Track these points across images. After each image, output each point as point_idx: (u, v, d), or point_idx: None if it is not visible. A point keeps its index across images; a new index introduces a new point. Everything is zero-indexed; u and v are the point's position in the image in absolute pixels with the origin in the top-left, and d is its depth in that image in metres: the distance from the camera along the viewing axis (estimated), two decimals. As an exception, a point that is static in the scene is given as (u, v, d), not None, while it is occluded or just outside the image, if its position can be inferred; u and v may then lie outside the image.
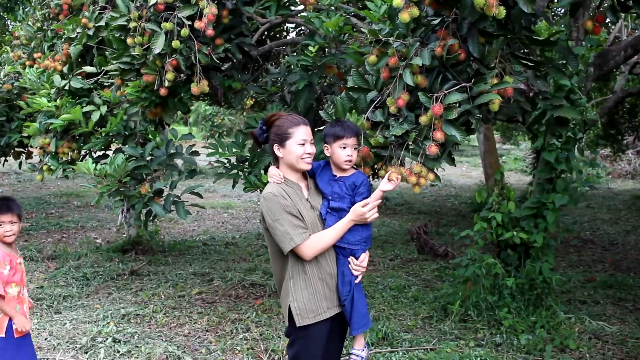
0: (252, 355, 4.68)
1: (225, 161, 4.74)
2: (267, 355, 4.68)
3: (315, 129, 3.42)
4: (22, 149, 7.16)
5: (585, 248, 8.71)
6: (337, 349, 3.12)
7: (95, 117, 5.12)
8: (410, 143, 3.05)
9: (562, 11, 9.08)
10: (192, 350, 4.77)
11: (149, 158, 4.99)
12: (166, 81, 4.60)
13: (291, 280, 2.90)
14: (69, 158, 5.46)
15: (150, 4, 4.44)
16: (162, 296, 6.09)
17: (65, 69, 5.67)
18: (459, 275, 5.61)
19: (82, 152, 5.55)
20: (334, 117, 3.41)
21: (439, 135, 2.92)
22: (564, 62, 3.44)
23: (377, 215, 2.90)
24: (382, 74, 3.14)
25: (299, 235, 2.80)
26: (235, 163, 4.73)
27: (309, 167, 2.95)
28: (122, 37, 4.81)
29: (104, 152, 5.53)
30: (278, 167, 2.99)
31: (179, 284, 6.51)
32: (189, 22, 4.46)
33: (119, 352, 4.66)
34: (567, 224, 10.27)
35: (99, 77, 5.47)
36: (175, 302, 5.91)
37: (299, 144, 2.87)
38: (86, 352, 4.66)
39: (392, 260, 7.85)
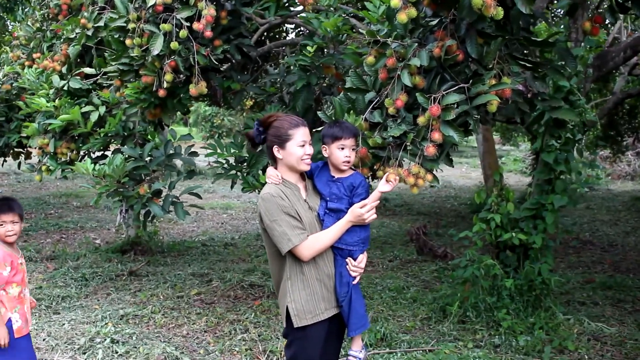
0: (250, 356, 4.68)
1: (224, 162, 4.74)
2: (266, 356, 4.67)
3: (314, 130, 3.41)
4: (21, 150, 7.16)
5: (584, 249, 8.71)
6: (335, 350, 3.11)
7: (94, 117, 5.12)
8: (408, 144, 3.05)
9: (562, 12, 9.07)
10: (190, 351, 4.77)
11: (147, 159, 4.99)
12: (165, 82, 4.60)
13: (289, 281, 2.90)
14: (68, 158, 5.46)
15: (148, 5, 4.44)
16: (161, 297, 6.08)
17: (64, 70, 5.67)
18: (458, 276, 5.61)
19: (81, 153, 5.55)
20: (332, 118, 3.41)
21: (436, 136, 2.91)
22: (563, 63, 3.43)
23: (375, 216, 2.90)
24: (380, 74, 3.14)
25: (297, 236, 2.80)
26: (234, 163, 4.73)
27: (308, 168, 2.95)
28: (121, 38, 4.81)
29: (102, 152, 5.53)
30: (276, 168, 2.98)
31: (178, 284, 6.50)
32: (188, 24, 4.46)
33: (117, 352, 4.66)
34: (567, 225, 10.26)
35: (98, 77, 5.47)
36: (174, 302, 5.91)
37: (299, 145, 2.86)
38: (84, 353, 4.66)
39: (391, 261, 7.84)
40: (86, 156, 5.57)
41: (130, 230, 8.12)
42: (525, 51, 3.36)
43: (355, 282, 2.95)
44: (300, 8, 5.25)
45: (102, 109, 5.17)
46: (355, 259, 2.94)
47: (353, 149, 2.96)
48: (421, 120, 2.96)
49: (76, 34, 5.54)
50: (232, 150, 4.57)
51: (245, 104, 8.62)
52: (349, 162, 2.94)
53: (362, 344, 3.13)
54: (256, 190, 4.33)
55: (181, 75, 4.83)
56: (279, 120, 2.92)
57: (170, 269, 7.20)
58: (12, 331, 3.44)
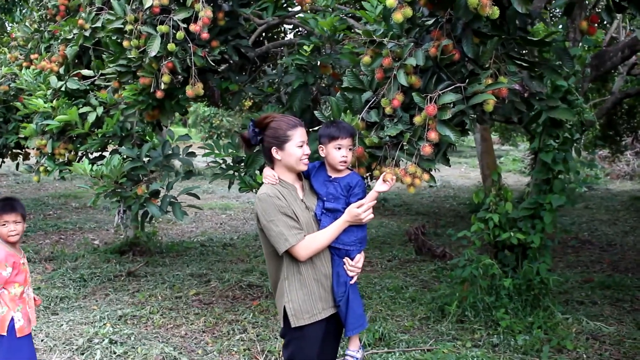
0: (248, 356, 4.68)
1: (221, 162, 4.74)
2: (264, 356, 4.67)
3: (310, 130, 3.41)
4: (19, 151, 7.15)
5: (583, 249, 8.71)
6: (332, 350, 3.11)
7: (91, 118, 5.12)
8: (404, 143, 3.05)
9: (560, 12, 9.08)
10: (188, 351, 4.76)
11: (145, 159, 4.99)
12: (162, 84, 4.60)
13: (286, 280, 2.90)
14: (66, 159, 5.45)
15: (145, 7, 4.43)
16: (159, 297, 6.08)
17: (61, 70, 5.67)
18: (456, 276, 5.61)
19: (79, 154, 5.54)
20: (329, 118, 3.41)
21: (433, 136, 2.91)
22: (560, 63, 3.43)
23: (372, 216, 2.90)
24: (376, 74, 3.14)
25: (294, 236, 2.80)
26: (231, 164, 4.73)
27: (306, 167, 2.96)
28: (119, 40, 4.81)
29: (100, 153, 5.53)
30: (273, 168, 2.98)
31: (176, 285, 6.50)
32: (185, 25, 4.46)
33: (115, 353, 4.66)
34: (565, 225, 10.26)
35: (96, 78, 5.47)
36: (172, 303, 5.90)
37: (298, 146, 2.86)
38: (82, 354, 4.65)
39: (390, 261, 7.84)
40: (84, 157, 5.57)
41: (129, 230, 8.12)
42: (522, 51, 3.36)
43: (352, 281, 2.95)
44: (298, 8, 5.25)
45: (100, 110, 5.17)
46: (352, 259, 2.94)
47: (350, 149, 2.95)
48: (417, 119, 2.96)
49: (74, 34, 5.54)
50: (230, 151, 4.57)
51: (243, 104, 8.62)
52: (345, 162, 2.94)
53: (360, 344, 3.12)
54: (253, 190, 4.32)
55: (179, 77, 4.83)
56: (275, 121, 2.91)
57: (169, 269, 7.20)
58: (14, 330, 3.46)
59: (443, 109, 2.90)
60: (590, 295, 6.25)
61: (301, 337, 2.91)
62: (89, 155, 5.57)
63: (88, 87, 5.45)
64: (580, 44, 5.39)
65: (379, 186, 2.92)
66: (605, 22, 7.93)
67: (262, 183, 2.98)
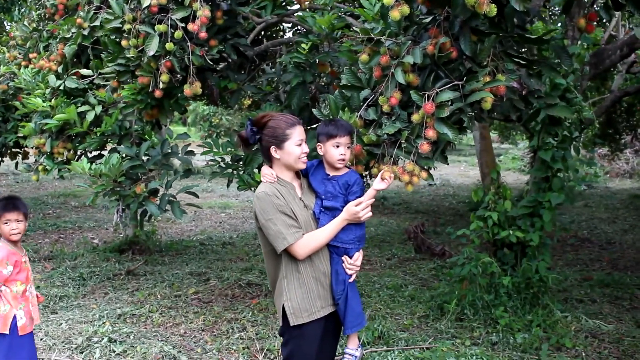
0: (247, 354, 4.68)
1: (220, 160, 4.75)
2: (263, 354, 4.67)
3: (308, 127, 3.41)
4: (18, 150, 7.15)
5: (582, 247, 8.71)
6: (331, 348, 3.11)
7: (90, 117, 5.12)
8: (402, 141, 3.05)
9: (559, 10, 9.06)
10: (187, 350, 4.76)
11: (144, 158, 4.99)
12: (161, 83, 4.60)
13: (285, 279, 2.90)
14: (65, 158, 5.45)
15: (143, 6, 4.43)
16: (159, 296, 6.08)
17: (60, 69, 5.67)
18: (456, 274, 5.61)
19: (78, 152, 5.54)
20: (327, 116, 3.41)
21: (431, 134, 2.91)
22: (558, 60, 3.43)
23: (370, 214, 2.90)
24: (374, 72, 3.14)
25: (292, 234, 2.80)
26: (230, 162, 4.73)
27: (305, 166, 2.96)
28: (117, 40, 4.81)
29: (99, 152, 5.52)
30: (271, 167, 2.98)
31: (176, 283, 6.50)
32: (183, 25, 4.45)
33: (114, 352, 4.66)
34: (565, 223, 10.27)
35: (94, 77, 5.47)
36: (172, 301, 5.90)
37: (296, 144, 2.86)
38: (82, 352, 4.66)
39: (389, 260, 7.84)
40: (83, 156, 5.57)
41: (128, 229, 8.12)
42: (521, 49, 3.36)
43: (351, 280, 2.95)
44: (297, 7, 5.25)
45: (99, 109, 5.17)
46: (351, 257, 2.94)
47: (348, 147, 2.95)
48: (415, 117, 2.96)
49: (72, 33, 5.54)
50: (228, 149, 4.58)
51: (243, 103, 8.62)
52: (344, 160, 2.94)
53: (359, 342, 3.13)
54: (252, 189, 4.33)
55: (177, 76, 4.83)
56: (274, 120, 2.90)
57: (168, 268, 7.20)
58: (17, 329, 3.47)
59: (441, 107, 2.90)
60: (589, 293, 6.25)
61: (300, 336, 2.91)
62: (88, 154, 5.57)
63: (87, 86, 5.44)
64: (579, 42, 5.39)
65: (377, 184, 2.92)
66: (604, 20, 7.93)
67: (261, 181, 2.98)
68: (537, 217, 5.36)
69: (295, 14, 5.19)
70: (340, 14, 4.54)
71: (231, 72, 5.38)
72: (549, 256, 5.46)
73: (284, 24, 6.38)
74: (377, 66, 3.13)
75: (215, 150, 4.58)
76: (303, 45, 4.49)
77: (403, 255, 8.02)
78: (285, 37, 7.18)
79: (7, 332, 3.44)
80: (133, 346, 4.76)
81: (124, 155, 4.93)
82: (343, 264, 2.94)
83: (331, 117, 3.36)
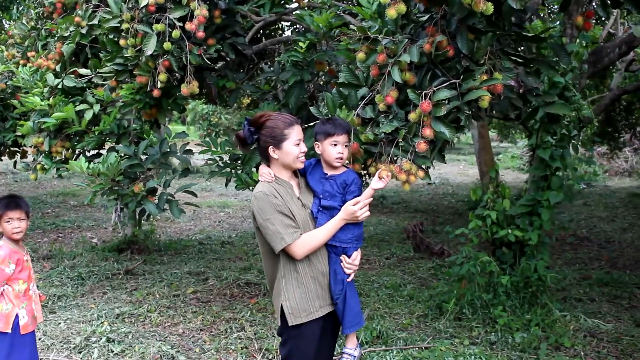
0: (246, 354, 4.68)
1: (218, 159, 4.74)
2: (261, 354, 4.67)
3: (306, 126, 3.40)
4: (16, 148, 7.14)
5: (581, 245, 8.71)
6: (329, 348, 3.11)
7: (88, 115, 5.11)
8: (400, 140, 3.04)
9: (557, 8, 9.05)
10: (186, 349, 4.76)
11: (143, 157, 4.98)
12: (159, 82, 4.59)
13: (283, 279, 2.89)
14: (63, 157, 5.44)
15: (141, 5, 4.42)
16: (157, 295, 6.07)
17: (58, 68, 5.66)
18: (454, 274, 5.60)
19: (76, 151, 5.54)
20: (326, 115, 3.40)
21: (427, 132, 2.90)
22: (557, 59, 3.42)
23: (368, 213, 2.89)
24: (371, 71, 3.13)
25: (290, 234, 2.79)
26: (228, 161, 4.72)
27: (303, 165, 2.95)
28: (115, 39, 4.80)
29: (97, 151, 5.52)
30: (268, 166, 2.97)
31: (174, 283, 6.49)
32: (180, 24, 4.45)
33: (112, 351, 4.65)
34: (564, 222, 10.26)
35: (93, 75, 5.46)
36: (170, 301, 5.90)
37: (295, 144, 2.85)
38: (80, 352, 4.65)
39: (388, 259, 7.83)
40: (81, 155, 5.56)
41: (127, 229, 8.11)
42: (519, 47, 3.36)
43: (349, 279, 2.95)
44: (295, 5, 5.24)
45: (97, 107, 5.16)
46: (349, 257, 2.94)
47: (346, 146, 2.95)
48: (412, 116, 2.95)
49: (70, 32, 5.53)
50: (226, 148, 4.57)
51: (241, 101, 8.61)
52: (341, 158, 2.93)
53: (357, 342, 3.12)
54: (250, 188, 4.32)
55: (176, 75, 4.82)
56: (271, 119, 2.89)
57: (167, 267, 7.19)
58: (19, 327, 3.48)
59: (438, 106, 2.89)
60: (588, 292, 6.24)
61: (298, 335, 2.90)
62: (86, 153, 5.56)
63: (85, 85, 5.44)
64: (578, 40, 5.38)
65: (375, 183, 2.91)
66: (602, 18, 7.93)
67: (258, 181, 2.97)
68: (536, 215, 5.36)
69: (293, 12, 5.18)
70: (338, 12, 4.53)
71: (229, 71, 5.37)
72: (547, 255, 5.46)
73: (282, 22, 6.38)
74: (374, 65, 3.12)
75: (213, 149, 4.57)
76: (301, 44, 4.48)
77: (402, 255, 8.02)
78: (284, 35, 7.17)
79: (9, 330, 3.45)
80: (131, 346, 4.75)
81: (122, 154, 4.93)
82: (341, 264, 2.93)
83: (329, 115, 3.35)
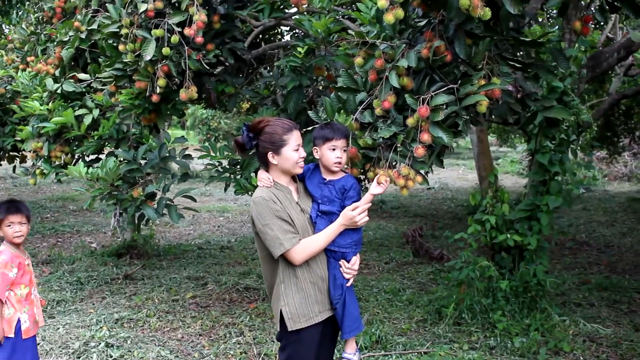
0: (245, 359, 4.67)
1: (217, 164, 4.74)
2: (260, 359, 4.66)
3: (304, 130, 3.41)
4: (16, 153, 7.14)
5: (580, 250, 8.70)
6: (328, 353, 3.11)
7: (87, 120, 5.11)
8: (398, 145, 3.04)
9: (556, 13, 9.07)
10: (185, 354, 4.75)
11: (142, 161, 4.98)
12: (158, 88, 4.59)
13: (282, 284, 2.89)
14: (62, 162, 5.44)
15: (140, 11, 4.43)
16: (156, 300, 6.06)
17: (57, 72, 5.66)
18: (453, 278, 5.60)
19: (75, 156, 5.54)
20: (324, 119, 3.40)
21: (425, 137, 2.91)
22: (555, 63, 3.43)
23: (367, 219, 2.89)
24: (369, 76, 3.14)
25: (289, 240, 2.79)
26: (227, 166, 4.72)
27: (302, 170, 2.95)
28: (114, 44, 4.81)
29: (97, 155, 5.52)
30: (267, 171, 2.97)
31: (173, 288, 6.49)
32: (179, 29, 4.45)
33: (111, 356, 4.64)
34: (563, 226, 10.26)
35: (92, 80, 5.46)
36: (169, 306, 5.89)
37: (294, 149, 2.86)
38: (79, 357, 4.64)
39: (387, 264, 7.83)
40: (80, 159, 5.56)
41: (126, 233, 8.10)
42: (518, 52, 3.36)
43: (348, 284, 2.95)
44: (294, 10, 5.25)
45: (96, 112, 5.16)
46: (348, 261, 2.94)
47: (344, 150, 2.95)
48: (410, 121, 2.96)
49: (70, 36, 5.54)
50: (226, 153, 4.57)
51: (241, 106, 8.61)
52: (340, 163, 2.93)
53: (356, 347, 3.12)
54: (249, 193, 4.32)
55: (175, 80, 4.83)
56: (270, 125, 2.88)
57: (166, 272, 7.19)
58: (20, 332, 3.48)
59: (435, 111, 2.89)
60: (587, 297, 6.24)
61: (298, 341, 2.90)
62: (86, 157, 5.56)
63: (84, 90, 5.44)
64: (576, 44, 5.40)
65: (374, 189, 2.91)
66: (601, 23, 7.94)
67: (257, 186, 2.97)
68: (535, 220, 5.35)
69: (292, 17, 5.19)
70: (337, 17, 4.54)
71: (228, 75, 5.38)
72: (546, 260, 5.45)
73: (282, 27, 6.39)
74: (372, 69, 3.12)
75: (212, 154, 4.57)
76: (299, 49, 4.48)
77: (401, 259, 8.01)
78: (283, 40, 7.18)
79: (11, 335, 3.46)
80: (130, 351, 4.74)
81: (121, 159, 4.93)
82: (340, 268, 2.93)
83: (327, 119, 3.35)
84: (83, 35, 5.37)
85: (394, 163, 3.07)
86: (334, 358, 3.24)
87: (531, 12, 3.35)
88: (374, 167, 3.15)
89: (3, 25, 10.32)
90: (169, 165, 5.15)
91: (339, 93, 3.41)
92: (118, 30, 4.69)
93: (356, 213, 2.84)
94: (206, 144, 4.77)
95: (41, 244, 8.67)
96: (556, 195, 5.28)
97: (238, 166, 4.67)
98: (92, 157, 5.54)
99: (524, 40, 3.15)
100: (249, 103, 8.04)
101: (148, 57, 4.45)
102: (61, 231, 9.65)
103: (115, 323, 5.37)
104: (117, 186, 4.78)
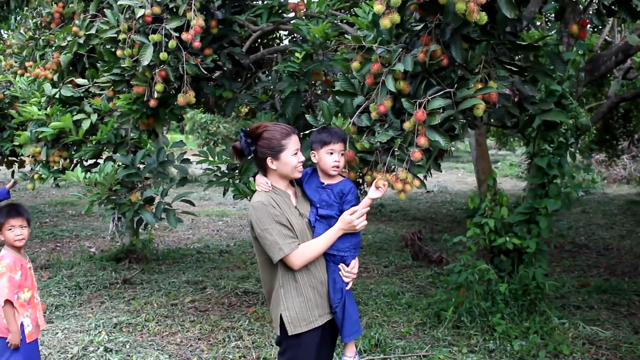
0: (243, 363, 4.67)
1: (216, 169, 4.74)
2: (259, 363, 4.66)
3: (302, 134, 3.41)
4: (14, 158, 7.15)
5: (580, 253, 8.70)
6: (328, 356, 3.11)
7: (85, 125, 5.13)
8: (396, 149, 3.04)
9: (554, 16, 9.08)
10: (184, 359, 4.74)
11: (140, 166, 4.98)
12: (155, 92, 4.60)
13: (282, 288, 2.88)
14: (60, 166, 5.45)
15: (138, 16, 4.44)
16: (155, 305, 6.06)
17: (56, 78, 5.67)
18: (453, 282, 5.60)
19: (74, 161, 5.54)
20: (322, 123, 3.40)
21: (422, 141, 2.91)
22: (553, 67, 3.44)
23: (365, 223, 2.89)
24: (366, 80, 3.14)
25: (288, 245, 2.79)
26: (226, 171, 4.73)
27: (300, 175, 2.95)
28: (112, 49, 4.82)
29: (95, 160, 5.52)
30: (265, 176, 2.97)
31: (172, 292, 6.48)
32: (177, 34, 4.46)
33: (109, 361, 4.64)
34: (562, 229, 10.26)
35: (90, 85, 5.47)
36: (168, 310, 5.88)
37: (293, 154, 2.85)
38: (77, 362, 4.64)
39: (386, 267, 7.82)
40: (78, 164, 5.56)
41: (125, 238, 8.10)
42: (515, 56, 3.36)
43: (348, 287, 2.95)
44: (292, 15, 5.26)
45: (94, 117, 5.18)
46: (347, 265, 2.94)
47: (342, 154, 2.95)
48: (407, 125, 2.96)
49: (68, 42, 5.55)
50: (224, 158, 4.57)
51: (240, 111, 8.62)
52: (338, 166, 2.93)
53: (356, 350, 3.12)
54: (247, 197, 4.32)
55: (173, 85, 4.83)
56: (268, 130, 2.88)
57: (165, 276, 7.18)
58: (24, 336, 3.48)
59: (432, 114, 2.89)
60: (586, 299, 6.24)
61: (298, 345, 2.90)
62: (84, 162, 5.57)
63: (82, 95, 5.45)
64: (574, 48, 5.40)
65: (372, 193, 2.91)
66: (599, 27, 7.95)
67: (256, 190, 2.97)
68: (534, 223, 5.36)
69: (291, 22, 5.19)
70: (335, 21, 4.55)
71: (226, 80, 5.38)
72: (546, 263, 5.46)
73: (280, 31, 6.40)
74: (369, 74, 3.13)
75: (210, 159, 4.57)
76: (297, 54, 4.49)
77: (400, 263, 8.01)
78: (282, 44, 7.19)
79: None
80: (129, 355, 4.74)
81: (119, 164, 4.93)
82: (340, 272, 2.93)
83: (325, 123, 3.35)
84: (81, 41, 5.38)
85: (391, 167, 3.07)
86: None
87: (529, 16, 3.36)
88: (372, 171, 3.15)
89: (1, 31, 10.33)
90: (168, 170, 5.15)
91: (337, 97, 3.41)
92: (116, 35, 4.70)
93: (355, 217, 2.84)
94: (204, 148, 4.77)
95: (40, 249, 8.66)
96: (555, 198, 5.28)
97: (236, 171, 4.67)
98: (91, 161, 5.56)
99: (520, 44, 3.16)
100: (248, 107, 8.05)
101: (146, 62, 4.46)
102: (60, 236, 9.65)
103: (114, 328, 5.36)
104: (115, 191, 4.79)
